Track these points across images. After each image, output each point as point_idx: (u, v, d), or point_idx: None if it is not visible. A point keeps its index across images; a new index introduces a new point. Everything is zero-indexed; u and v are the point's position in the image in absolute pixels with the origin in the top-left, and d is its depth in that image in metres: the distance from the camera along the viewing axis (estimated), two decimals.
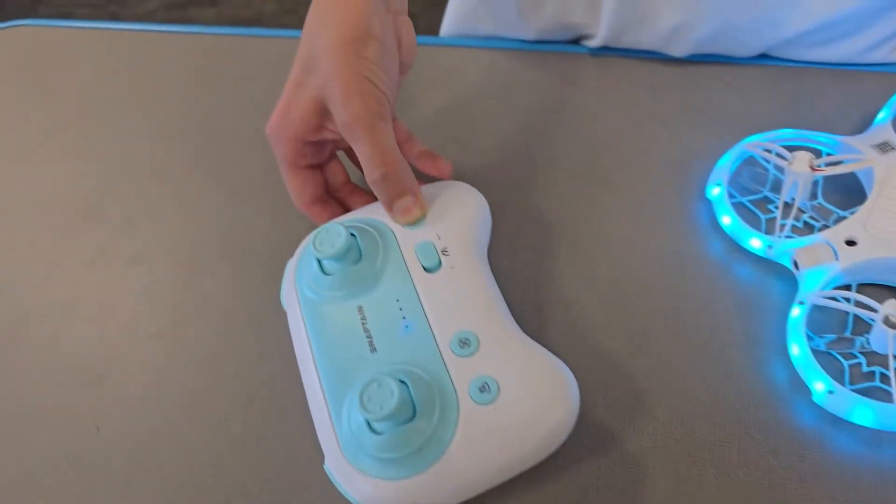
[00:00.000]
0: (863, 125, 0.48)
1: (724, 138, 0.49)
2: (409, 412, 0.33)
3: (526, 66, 0.56)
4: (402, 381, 0.33)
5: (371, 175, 0.40)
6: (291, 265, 0.41)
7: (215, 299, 0.46)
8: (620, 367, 0.40)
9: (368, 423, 0.33)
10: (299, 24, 0.42)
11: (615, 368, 0.40)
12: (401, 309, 0.37)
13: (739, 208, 0.45)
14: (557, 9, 0.55)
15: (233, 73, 0.59)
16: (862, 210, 0.41)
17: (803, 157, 0.43)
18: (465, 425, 0.33)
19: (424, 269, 0.38)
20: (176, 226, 0.50)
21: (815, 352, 0.38)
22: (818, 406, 0.37)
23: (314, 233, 0.39)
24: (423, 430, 0.33)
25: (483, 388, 0.34)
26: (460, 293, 0.38)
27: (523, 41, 0.57)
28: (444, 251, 0.39)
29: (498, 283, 0.40)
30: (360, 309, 0.38)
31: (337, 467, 0.34)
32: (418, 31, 0.45)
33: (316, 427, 0.36)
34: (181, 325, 0.45)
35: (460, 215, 0.41)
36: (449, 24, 0.62)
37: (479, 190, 0.44)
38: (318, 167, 0.45)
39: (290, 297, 0.40)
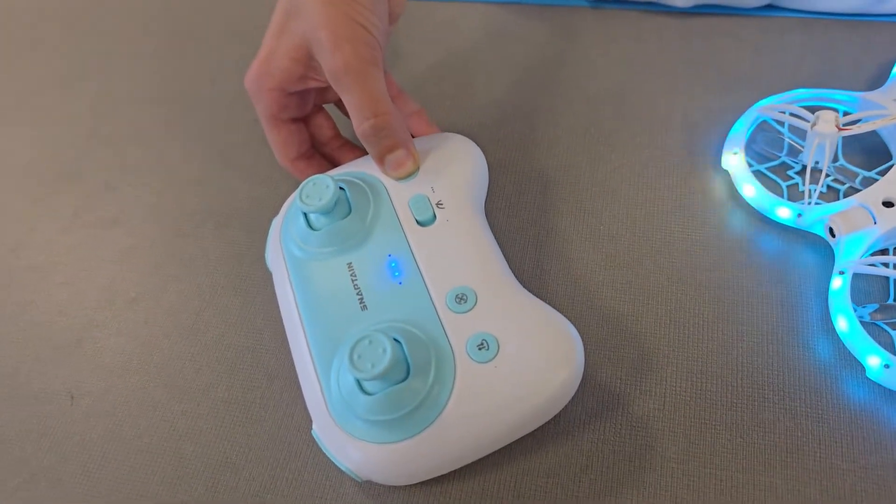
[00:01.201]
0: (878, 78, 0.46)
1: (729, 92, 0.46)
2: (402, 371, 0.31)
3: (523, 20, 0.53)
4: (395, 339, 0.31)
5: (361, 126, 0.37)
6: (277, 222, 0.39)
7: (197, 262, 0.43)
8: (626, 326, 0.38)
9: (359, 384, 0.31)
10: None
11: (620, 328, 0.38)
12: (393, 264, 0.35)
13: (757, 176, 0.42)
14: None
15: (214, 32, 0.56)
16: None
17: (828, 117, 0.40)
18: (462, 385, 0.31)
19: (418, 222, 0.36)
20: (155, 188, 0.47)
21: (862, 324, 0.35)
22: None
23: (301, 185, 0.36)
24: (418, 391, 0.31)
25: (481, 346, 0.32)
26: (456, 247, 0.35)
27: None
28: (438, 204, 0.37)
29: (499, 241, 0.37)
30: (350, 265, 0.35)
31: (325, 431, 0.32)
32: None
33: (303, 390, 0.34)
34: (161, 288, 0.42)
35: (456, 168, 0.39)
36: None
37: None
38: (302, 120, 0.43)
39: (276, 255, 0.38)
